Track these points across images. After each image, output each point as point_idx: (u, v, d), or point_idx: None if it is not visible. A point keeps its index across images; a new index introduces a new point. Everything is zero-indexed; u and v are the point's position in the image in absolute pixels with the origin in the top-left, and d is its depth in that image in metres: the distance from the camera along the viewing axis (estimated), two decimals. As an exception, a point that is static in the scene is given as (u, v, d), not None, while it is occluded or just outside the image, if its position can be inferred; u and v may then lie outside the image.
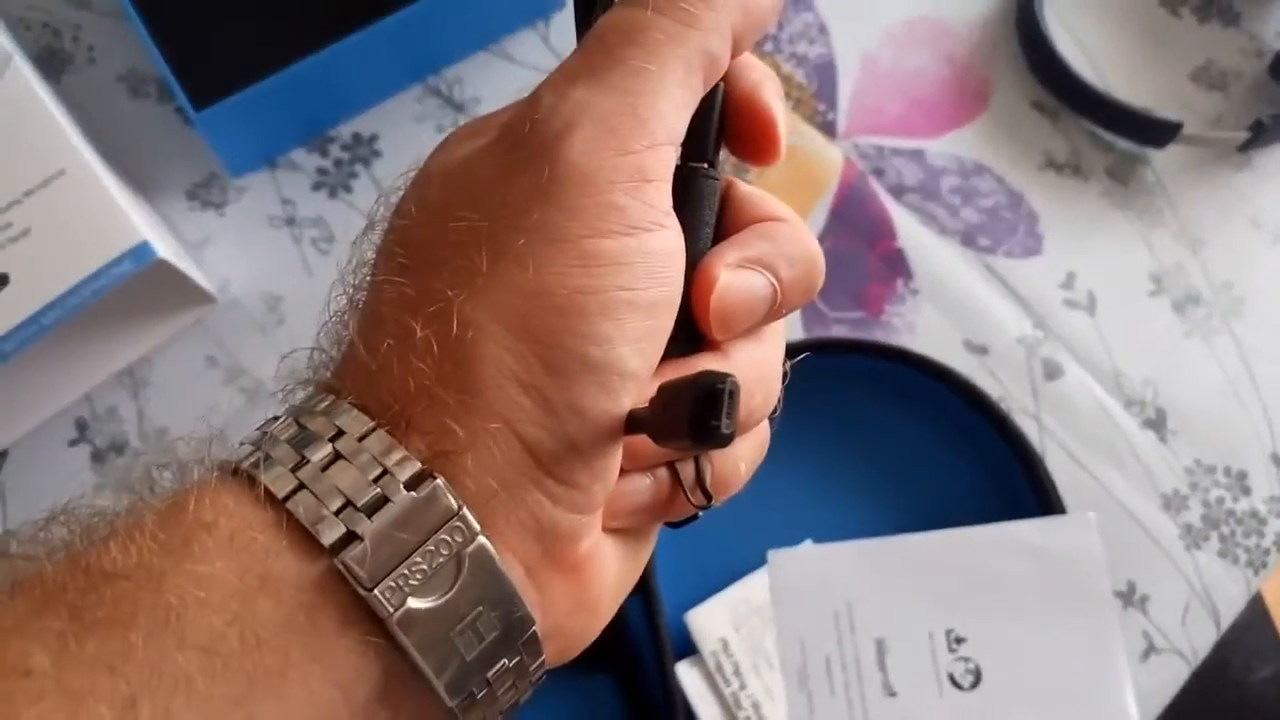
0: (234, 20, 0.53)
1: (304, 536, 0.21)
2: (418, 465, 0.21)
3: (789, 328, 0.48)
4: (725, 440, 0.20)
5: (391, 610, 0.21)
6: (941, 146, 0.56)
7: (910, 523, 0.49)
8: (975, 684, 0.46)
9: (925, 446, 0.51)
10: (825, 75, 0.57)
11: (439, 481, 0.21)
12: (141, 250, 0.44)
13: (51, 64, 0.53)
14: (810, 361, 0.51)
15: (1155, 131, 0.54)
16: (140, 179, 0.52)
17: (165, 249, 0.46)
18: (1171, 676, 0.49)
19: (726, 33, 0.24)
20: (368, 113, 0.54)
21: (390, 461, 0.21)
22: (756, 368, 0.26)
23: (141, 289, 0.45)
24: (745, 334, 0.26)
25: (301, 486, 0.21)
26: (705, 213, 0.26)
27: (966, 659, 0.47)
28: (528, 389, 0.22)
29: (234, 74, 0.47)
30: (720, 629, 0.47)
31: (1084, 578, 0.47)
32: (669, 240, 0.24)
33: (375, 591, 0.21)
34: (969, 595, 0.47)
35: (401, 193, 0.25)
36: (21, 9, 0.54)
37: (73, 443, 0.49)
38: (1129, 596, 0.50)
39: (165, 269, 0.45)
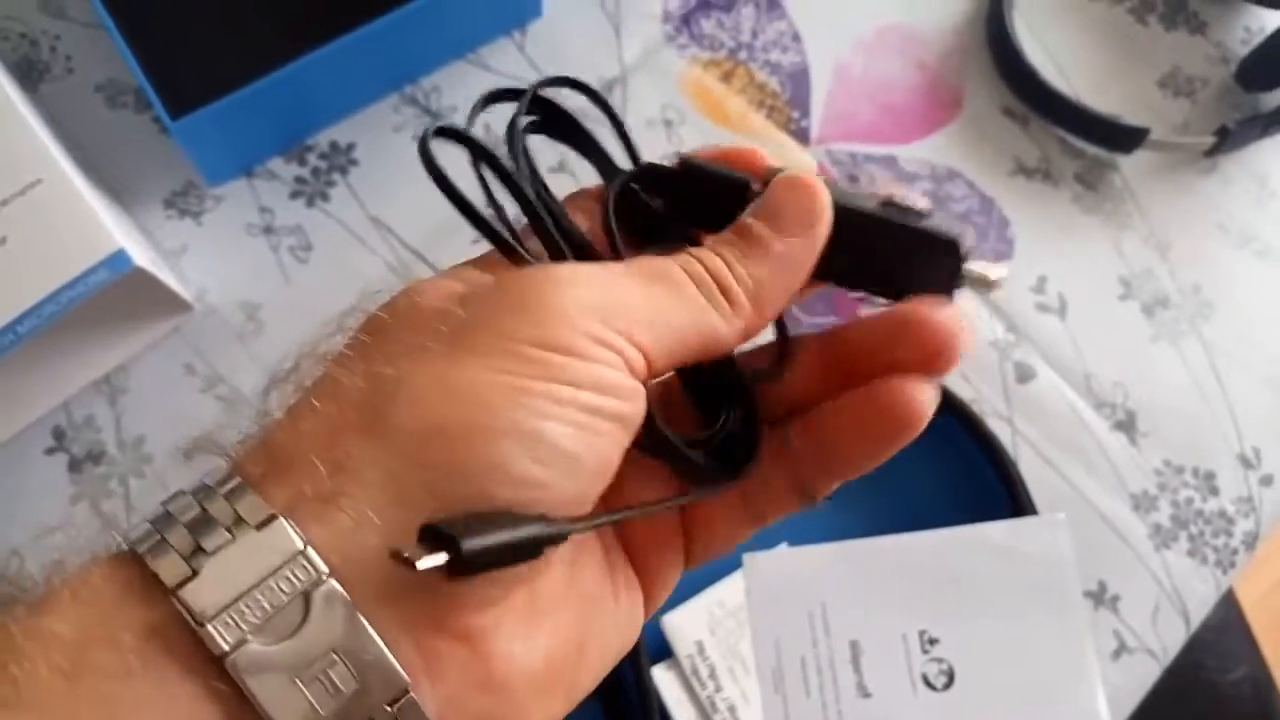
0: (211, 30, 0.54)
1: (152, 582, 0.21)
2: (267, 510, 0.22)
3: (764, 333, 0.48)
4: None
5: (226, 647, 0.20)
6: (913, 152, 0.57)
7: (884, 525, 0.49)
8: (949, 684, 0.47)
9: (898, 450, 0.52)
10: (798, 83, 0.57)
11: (281, 520, 0.21)
12: (118, 258, 0.44)
13: (29, 74, 0.53)
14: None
15: (1123, 137, 0.55)
16: (118, 188, 0.52)
17: (142, 257, 0.46)
18: (1143, 676, 0.50)
19: (731, 328, 0.27)
20: (345, 121, 0.54)
21: (243, 508, 0.22)
22: None
23: (119, 297, 0.45)
24: None
25: (158, 537, 0.22)
26: None
27: (940, 660, 0.47)
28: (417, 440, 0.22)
29: (211, 83, 0.48)
30: (696, 632, 0.47)
31: (1055, 578, 0.48)
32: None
33: (208, 626, 0.20)
34: (942, 597, 0.48)
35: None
36: (-1, 20, 0.54)
37: (49, 451, 0.49)
38: (1100, 596, 0.50)
39: (142, 277, 0.45)
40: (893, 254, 0.28)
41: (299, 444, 0.23)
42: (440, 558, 0.20)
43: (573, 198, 0.29)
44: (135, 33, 0.49)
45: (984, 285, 0.28)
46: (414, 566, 0.20)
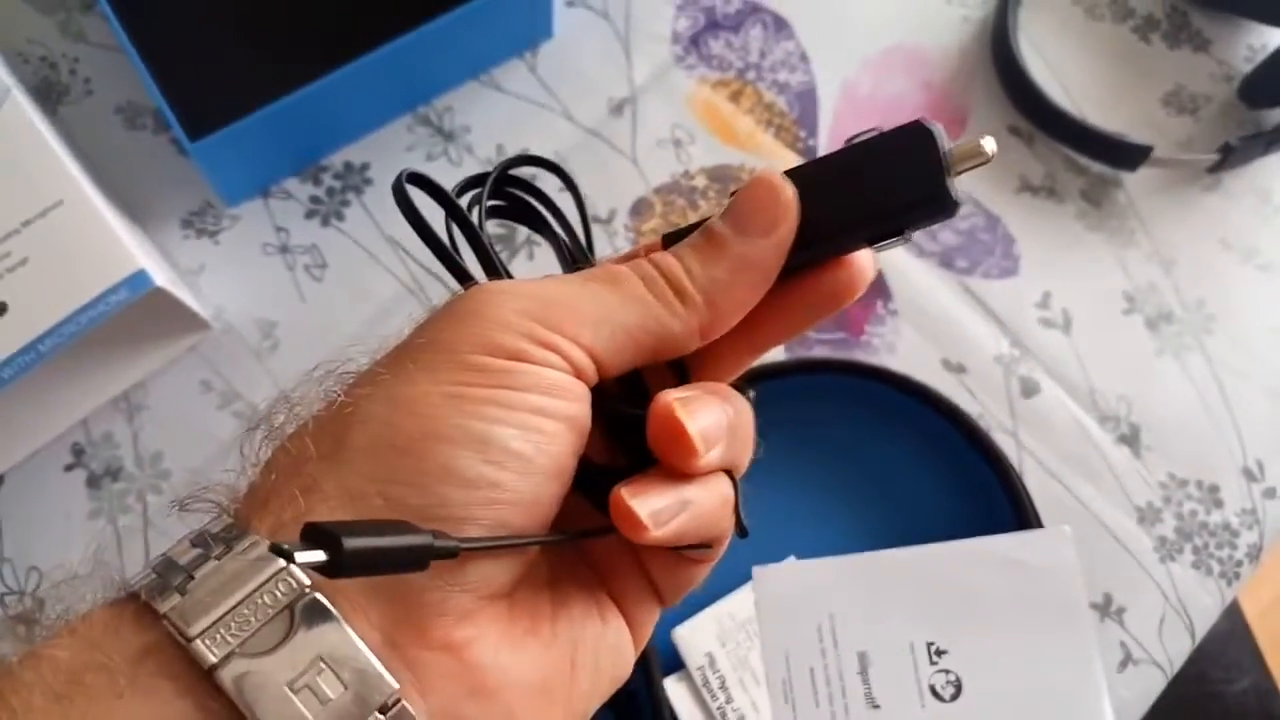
0: (228, 53, 0.55)
1: (144, 610, 0.22)
2: (250, 536, 0.23)
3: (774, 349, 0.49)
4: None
5: (214, 659, 0.21)
6: (919, 170, 0.57)
7: (891, 538, 0.50)
8: (956, 695, 0.47)
9: (905, 463, 0.53)
10: (806, 102, 0.58)
11: (258, 538, 0.22)
12: (138, 278, 0.45)
13: (49, 96, 0.54)
14: (793, 381, 0.52)
15: (1127, 155, 0.56)
16: (136, 208, 0.53)
17: (162, 277, 0.47)
18: (1149, 687, 0.50)
19: (684, 324, 0.27)
20: (359, 142, 0.55)
21: (229, 539, 0.23)
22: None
23: (137, 315, 0.46)
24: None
25: (155, 576, 0.23)
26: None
27: (947, 671, 0.48)
28: (398, 451, 0.23)
29: (228, 105, 0.49)
30: (706, 644, 0.48)
31: (1061, 590, 0.48)
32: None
33: (196, 642, 0.21)
34: (949, 608, 0.48)
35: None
36: (20, 43, 0.55)
37: (68, 468, 0.50)
38: (1106, 608, 0.51)
39: (161, 296, 0.46)
40: (870, 177, 0.27)
41: (270, 480, 0.24)
42: (318, 554, 0.20)
43: None
44: (153, 55, 0.49)
45: (976, 158, 0.26)
46: (293, 559, 0.20)
